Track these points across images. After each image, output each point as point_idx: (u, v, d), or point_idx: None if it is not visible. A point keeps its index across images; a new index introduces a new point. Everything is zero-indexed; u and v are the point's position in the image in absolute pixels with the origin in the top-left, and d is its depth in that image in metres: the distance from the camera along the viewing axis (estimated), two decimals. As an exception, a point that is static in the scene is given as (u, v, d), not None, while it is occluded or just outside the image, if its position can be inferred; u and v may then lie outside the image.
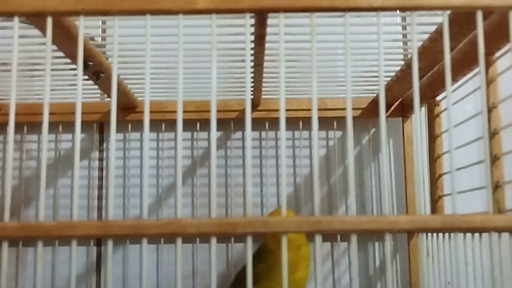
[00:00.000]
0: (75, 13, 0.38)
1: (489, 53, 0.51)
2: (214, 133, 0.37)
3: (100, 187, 0.76)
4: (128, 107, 0.74)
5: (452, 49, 0.52)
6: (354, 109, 0.75)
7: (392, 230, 0.35)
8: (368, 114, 0.75)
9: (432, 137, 0.65)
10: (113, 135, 0.37)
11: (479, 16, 0.36)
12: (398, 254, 0.75)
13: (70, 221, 0.36)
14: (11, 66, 0.39)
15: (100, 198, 0.75)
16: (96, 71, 0.57)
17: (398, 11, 0.39)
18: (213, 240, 0.36)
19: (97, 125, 0.77)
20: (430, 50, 0.54)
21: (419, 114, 0.71)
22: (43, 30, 0.46)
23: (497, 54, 0.51)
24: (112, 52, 0.40)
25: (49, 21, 0.38)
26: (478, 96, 0.53)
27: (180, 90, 0.37)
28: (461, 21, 0.45)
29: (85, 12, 0.38)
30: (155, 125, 0.76)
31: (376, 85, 0.71)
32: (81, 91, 0.39)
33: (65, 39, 0.48)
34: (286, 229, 0.36)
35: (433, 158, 0.65)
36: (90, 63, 0.55)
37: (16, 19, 0.38)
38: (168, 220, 0.36)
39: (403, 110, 0.74)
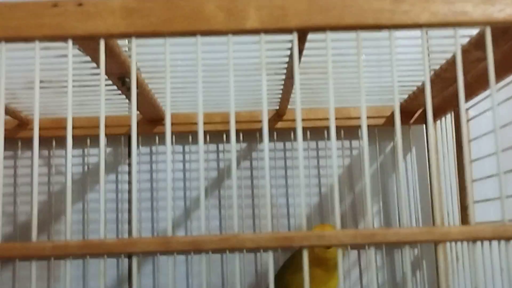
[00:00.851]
0: (127, 36, 0.39)
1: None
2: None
3: (129, 201, 0.76)
4: (156, 119, 0.75)
5: (482, 60, 0.54)
6: (378, 117, 0.76)
7: (445, 240, 0.36)
8: (391, 122, 0.76)
9: (460, 145, 0.66)
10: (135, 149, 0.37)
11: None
12: (425, 261, 0.76)
13: (100, 240, 0.37)
14: (46, 83, 0.40)
15: (130, 211, 0.76)
16: (119, 82, 0.59)
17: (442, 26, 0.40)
18: (270, 254, 0.37)
19: (125, 138, 0.78)
20: (462, 60, 0.55)
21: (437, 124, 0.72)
22: (89, 50, 0.47)
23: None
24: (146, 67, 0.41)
25: (102, 43, 0.39)
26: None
27: (200, 103, 0.38)
28: (497, 34, 0.46)
29: (136, 34, 0.39)
30: (182, 137, 0.77)
31: (400, 94, 0.72)
32: (104, 105, 0.39)
33: (106, 58, 0.49)
34: (341, 241, 0.37)
35: (461, 165, 0.66)
36: (127, 79, 0.56)
37: (70, 42, 0.40)
38: (226, 236, 0.37)
39: (427, 118, 0.75)
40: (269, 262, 0.37)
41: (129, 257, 0.76)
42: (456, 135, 0.68)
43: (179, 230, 0.76)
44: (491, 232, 0.36)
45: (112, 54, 0.48)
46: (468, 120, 0.66)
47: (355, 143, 0.78)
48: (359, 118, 0.75)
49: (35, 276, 0.37)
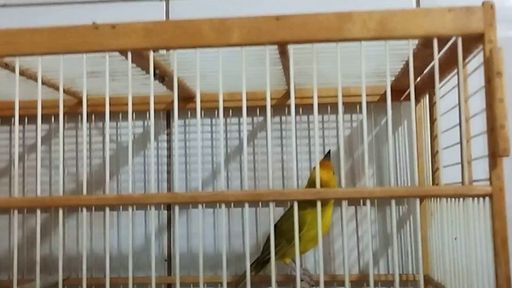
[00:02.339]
0: (147, 49, 0.55)
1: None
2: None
3: (168, 164, 0.94)
4: (188, 98, 0.91)
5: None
6: (373, 95, 0.89)
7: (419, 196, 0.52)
8: (385, 99, 0.89)
9: (432, 120, 0.80)
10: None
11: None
12: (412, 216, 0.90)
13: (146, 194, 0.53)
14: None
15: (168, 172, 0.94)
16: (162, 76, 0.75)
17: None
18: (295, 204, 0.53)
19: (163, 113, 0.95)
20: (423, 53, 0.68)
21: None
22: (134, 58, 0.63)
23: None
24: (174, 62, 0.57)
25: (129, 55, 0.56)
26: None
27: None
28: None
29: (153, 48, 0.55)
30: (210, 112, 0.93)
31: (392, 75, 0.85)
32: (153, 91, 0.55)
33: (141, 59, 0.65)
34: (339, 197, 0.52)
35: (433, 137, 0.79)
36: (157, 71, 0.72)
37: (107, 54, 0.56)
38: (213, 193, 0.53)
39: (416, 95, 0.88)
40: (295, 211, 0.52)
41: (168, 208, 0.94)
42: (430, 111, 0.81)
43: (207, 187, 0.93)
44: (452, 191, 0.51)
45: (144, 57, 0.64)
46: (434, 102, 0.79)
47: (354, 116, 0.92)
48: (358, 95, 0.89)
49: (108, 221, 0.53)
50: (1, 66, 0.66)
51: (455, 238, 0.85)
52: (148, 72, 0.72)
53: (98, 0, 0.98)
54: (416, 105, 0.89)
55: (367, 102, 0.88)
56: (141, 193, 0.55)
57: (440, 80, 0.75)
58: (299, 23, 0.53)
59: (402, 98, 0.89)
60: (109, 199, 0.54)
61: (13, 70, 0.66)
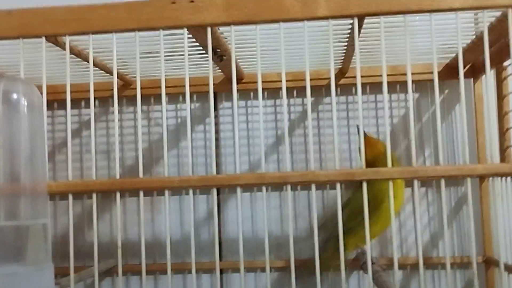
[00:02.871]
0: (227, 24, 0.53)
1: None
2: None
3: (217, 147, 0.91)
4: (237, 79, 0.88)
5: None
6: (430, 73, 0.86)
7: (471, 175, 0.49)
8: (442, 77, 0.86)
9: (501, 97, 0.77)
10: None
11: None
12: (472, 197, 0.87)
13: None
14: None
15: (218, 155, 0.91)
16: (221, 55, 0.72)
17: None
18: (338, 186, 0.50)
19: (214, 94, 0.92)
20: (498, 28, 0.65)
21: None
22: (194, 31, 0.60)
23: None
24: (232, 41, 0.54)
25: (209, 31, 0.53)
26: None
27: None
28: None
29: (234, 23, 0.52)
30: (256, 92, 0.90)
31: (449, 52, 0.82)
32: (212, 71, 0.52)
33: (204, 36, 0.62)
34: (392, 176, 0.50)
35: (502, 114, 0.76)
36: (218, 50, 0.69)
37: (185, 30, 0.53)
38: (303, 172, 0.51)
39: (474, 73, 0.85)
40: (338, 195, 0.50)
41: (218, 193, 0.91)
42: (497, 89, 0.78)
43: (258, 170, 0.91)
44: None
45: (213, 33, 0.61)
46: (506, 77, 0.77)
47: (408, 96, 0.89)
48: (413, 74, 0.86)
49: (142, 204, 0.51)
50: (51, 42, 0.62)
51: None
52: (207, 51, 0.69)
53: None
54: (474, 83, 0.86)
55: (424, 81, 0.86)
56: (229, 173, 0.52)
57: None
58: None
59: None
60: (193, 180, 0.52)
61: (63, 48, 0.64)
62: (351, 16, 0.51)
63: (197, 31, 0.57)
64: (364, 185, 0.52)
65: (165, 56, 0.78)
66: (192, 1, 0.52)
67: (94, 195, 0.54)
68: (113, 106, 0.91)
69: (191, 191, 0.53)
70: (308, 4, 0.51)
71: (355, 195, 0.79)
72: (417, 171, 0.50)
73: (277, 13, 0.51)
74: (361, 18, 0.53)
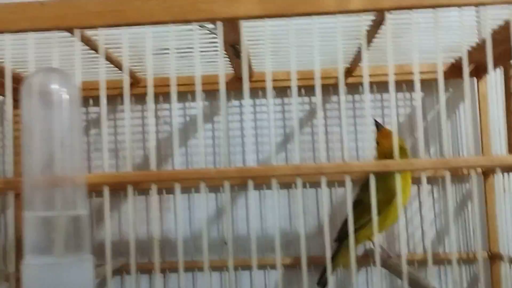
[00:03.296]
0: (260, 17, 0.53)
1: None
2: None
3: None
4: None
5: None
6: (435, 72, 0.88)
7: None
8: (446, 76, 0.88)
9: (509, 94, 0.79)
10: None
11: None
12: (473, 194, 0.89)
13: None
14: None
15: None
16: (238, 51, 0.72)
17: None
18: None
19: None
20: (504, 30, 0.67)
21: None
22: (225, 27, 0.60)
23: None
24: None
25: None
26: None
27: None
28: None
29: (267, 16, 0.53)
30: (264, 91, 0.91)
31: (452, 52, 0.84)
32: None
33: (232, 33, 0.62)
34: (401, 168, 0.51)
35: (510, 111, 0.79)
36: (237, 46, 0.70)
37: (219, 24, 0.54)
38: (338, 164, 0.52)
39: (478, 72, 0.88)
40: (347, 189, 0.51)
41: (232, 190, 0.92)
42: (505, 86, 0.80)
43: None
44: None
45: (235, 28, 0.62)
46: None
47: (414, 94, 0.91)
48: (423, 72, 0.87)
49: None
50: (83, 41, 0.62)
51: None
52: (226, 47, 0.70)
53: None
54: (478, 82, 0.88)
55: (429, 80, 0.88)
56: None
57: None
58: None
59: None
60: (230, 171, 0.52)
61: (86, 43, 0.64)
62: (383, 10, 0.52)
63: (226, 25, 0.58)
64: (398, 175, 0.53)
65: (177, 53, 0.79)
66: (227, -6, 0.53)
67: (130, 188, 0.54)
68: (121, 104, 0.91)
69: (227, 185, 0.54)
70: (341, -1, 0.52)
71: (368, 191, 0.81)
72: (448, 162, 0.52)
73: (311, 7, 0.52)
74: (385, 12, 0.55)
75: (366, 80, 0.56)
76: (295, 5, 0.52)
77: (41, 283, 0.49)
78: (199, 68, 0.58)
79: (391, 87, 0.57)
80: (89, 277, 0.50)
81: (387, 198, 0.73)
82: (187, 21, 0.54)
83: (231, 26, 0.60)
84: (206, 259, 0.56)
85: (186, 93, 0.92)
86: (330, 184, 0.90)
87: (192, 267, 0.89)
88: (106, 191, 0.53)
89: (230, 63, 0.82)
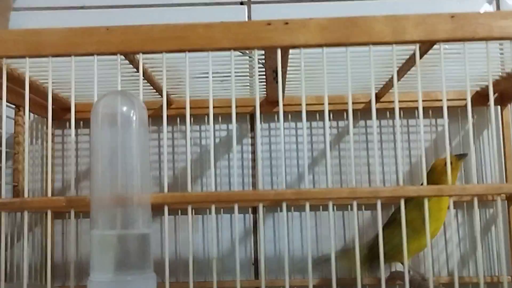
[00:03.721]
0: (319, 46, 0.56)
1: None
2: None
3: (253, 167, 0.94)
4: (276, 101, 0.91)
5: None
6: (461, 99, 0.91)
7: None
8: (472, 104, 0.91)
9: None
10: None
11: None
12: (498, 219, 0.91)
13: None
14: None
15: (253, 176, 0.93)
16: (276, 76, 0.75)
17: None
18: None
19: (249, 116, 0.95)
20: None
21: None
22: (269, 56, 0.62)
23: None
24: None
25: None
26: None
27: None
28: None
29: (326, 45, 0.55)
30: (295, 115, 0.94)
31: (481, 81, 0.87)
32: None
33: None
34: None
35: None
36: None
37: (278, 50, 0.56)
38: (394, 188, 0.53)
39: (502, 100, 0.90)
40: (378, 210, 0.53)
41: (253, 212, 0.93)
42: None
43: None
44: None
45: (282, 55, 0.64)
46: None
47: (440, 121, 0.94)
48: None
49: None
50: (130, 60, 0.64)
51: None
52: (269, 70, 0.72)
53: (178, 3, 0.98)
54: (502, 110, 0.91)
55: (454, 107, 0.91)
56: (295, 189, 0.54)
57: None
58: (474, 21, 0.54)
59: (488, 103, 0.90)
60: (287, 193, 0.54)
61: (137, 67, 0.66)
62: (437, 42, 0.55)
63: (273, 52, 0.60)
64: (451, 200, 0.55)
65: (214, 77, 0.81)
66: (287, 23, 0.55)
67: (190, 208, 0.55)
68: (153, 125, 0.93)
69: (284, 206, 0.55)
70: (397, 29, 0.54)
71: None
72: (501, 188, 0.54)
73: (368, 37, 0.55)
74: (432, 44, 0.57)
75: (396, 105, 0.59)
76: (352, 34, 0.55)
77: (106, 300, 0.50)
78: (234, 91, 0.60)
79: (420, 113, 0.59)
80: (153, 294, 0.52)
81: (421, 223, 0.75)
82: (247, 48, 0.56)
83: (276, 54, 0.62)
84: (238, 280, 0.57)
85: (216, 116, 0.94)
86: (359, 207, 0.92)
87: (221, 287, 0.90)
88: (166, 211, 0.55)
89: (264, 87, 0.85)
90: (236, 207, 0.55)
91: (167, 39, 0.55)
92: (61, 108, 0.91)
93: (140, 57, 0.56)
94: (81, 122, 0.92)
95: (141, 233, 0.51)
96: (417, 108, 0.90)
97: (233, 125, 0.58)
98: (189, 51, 0.56)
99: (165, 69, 0.58)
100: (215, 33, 0.55)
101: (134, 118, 0.51)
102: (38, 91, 0.76)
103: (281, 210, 0.91)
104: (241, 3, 0.97)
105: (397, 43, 0.55)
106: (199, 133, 0.95)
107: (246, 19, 0.97)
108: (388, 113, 0.93)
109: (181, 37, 0.55)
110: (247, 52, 0.73)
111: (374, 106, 0.57)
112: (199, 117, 0.95)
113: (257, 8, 0.97)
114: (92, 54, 0.56)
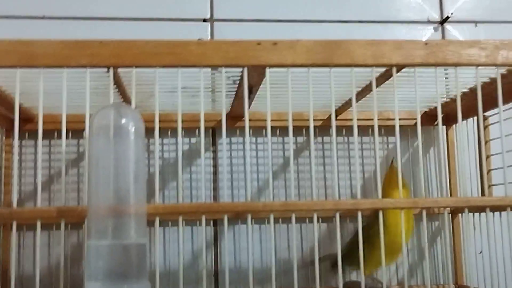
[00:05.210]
0: (305, 66, 0.59)
1: None
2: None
3: (214, 181, 0.96)
4: (239, 116, 0.93)
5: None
6: (410, 119, 0.97)
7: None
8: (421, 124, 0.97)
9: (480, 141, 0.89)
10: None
11: None
12: (442, 232, 0.98)
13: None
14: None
15: (215, 189, 0.96)
16: (250, 93, 0.78)
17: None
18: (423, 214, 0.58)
19: (212, 130, 0.97)
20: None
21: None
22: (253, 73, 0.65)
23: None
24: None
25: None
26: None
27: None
28: None
29: (311, 66, 0.59)
30: (256, 131, 0.97)
31: (427, 102, 0.93)
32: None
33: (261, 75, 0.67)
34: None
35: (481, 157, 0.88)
36: (254, 88, 0.75)
37: (267, 69, 0.59)
38: (373, 201, 0.58)
39: (447, 121, 0.98)
40: (359, 222, 0.57)
41: (214, 224, 0.95)
42: (478, 135, 0.90)
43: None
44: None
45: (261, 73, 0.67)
46: (487, 125, 0.89)
47: (391, 139, 1.00)
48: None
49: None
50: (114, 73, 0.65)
51: (480, 252, 0.94)
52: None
53: (140, 18, 0.99)
54: (447, 130, 0.98)
55: (404, 126, 0.97)
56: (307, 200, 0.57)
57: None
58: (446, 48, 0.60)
59: (436, 123, 0.97)
60: (275, 205, 0.57)
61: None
62: (412, 66, 0.60)
63: (255, 70, 0.63)
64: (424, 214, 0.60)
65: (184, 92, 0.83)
66: (275, 44, 0.58)
67: (180, 218, 0.57)
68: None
69: (272, 217, 0.58)
70: (376, 53, 0.59)
71: (368, 225, 0.86)
72: (468, 201, 0.59)
73: (350, 59, 0.59)
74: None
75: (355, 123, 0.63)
76: (336, 56, 0.59)
77: (101, 309, 0.51)
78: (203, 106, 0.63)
79: (376, 131, 0.64)
80: (147, 303, 0.53)
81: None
82: (237, 66, 0.59)
83: (257, 71, 0.65)
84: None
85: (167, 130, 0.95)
86: (327, 220, 0.96)
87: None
88: (157, 222, 0.56)
89: (230, 102, 0.87)
90: (203, 218, 0.57)
91: (161, 54, 0.57)
92: (21, 119, 0.90)
93: (133, 71, 0.58)
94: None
95: (137, 243, 0.52)
96: (371, 126, 0.97)
97: (201, 136, 0.60)
98: (182, 66, 0.58)
99: (134, 82, 0.60)
100: (207, 50, 0.58)
101: (131, 129, 0.52)
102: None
103: (242, 223, 0.95)
104: (204, 20, 1.00)
105: (376, 65, 0.59)
106: (162, 146, 0.96)
107: (209, 37, 1.00)
108: (344, 130, 0.98)
109: (174, 53, 0.57)
110: (217, 69, 0.76)
111: (334, 123, 0.61)
112: (162, 131, 0.95)
113: (220, 26, 1.00)
114: (85, 67, 0.56)
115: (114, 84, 0.72)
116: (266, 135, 0.98)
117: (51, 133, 0.91)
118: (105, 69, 0.59)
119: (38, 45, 0.56)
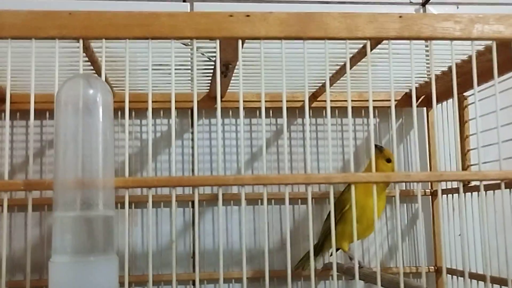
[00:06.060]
0: (279, 38, 0.58)
1: None
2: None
3: (192, 162, 0.95)
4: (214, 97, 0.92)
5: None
6: (389, 100, 0.97)
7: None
8: (400, 105, 0.97)
9: (462, 122, 0.89)
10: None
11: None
12: (423, 214, 0.98)
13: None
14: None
15: (193, 170, 0.95)
16: (227, 70, 0.77)
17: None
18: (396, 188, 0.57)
19: (191, 112, 0.96)
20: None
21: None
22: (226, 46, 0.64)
23: None
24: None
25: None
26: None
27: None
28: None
29: (284, 38, 0.58)
30: (234, 111, 0.96)
31: (407, 82, 0.93)
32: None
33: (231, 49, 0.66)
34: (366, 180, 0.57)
35: (463, 138, 0.88)
36: (230, 65, 0.74)
37: (239, 41, 0.58)
38: (345, 174, 0.57)
39: (428, 102, 0.97)
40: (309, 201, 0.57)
41: (193, 206, 0.94)
42: (459, 115, 0.90)
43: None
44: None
45: (235, 48, 0.66)
46: (467, 105, 0.89)
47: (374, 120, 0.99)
48: (376, 100, 0.96)
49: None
50: (85, 47, 0.63)
51: (459, 235, 0.94)
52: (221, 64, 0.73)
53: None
54: (428, 111, 0.98)
55: (384, 107, 0.96)
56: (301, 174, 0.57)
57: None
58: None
59: (417, 104, 0.97)
60: (246, 179, 0.56)
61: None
62: (387, 39, 0.59)
63: (229, 44, 0.62)
64: (397, 188, 0.59)
65: (157, 69, 0.82)
66: (248, 16, 0.57)
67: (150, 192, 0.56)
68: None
69: (243, 192, 0.57)
70: (350, 26, 0.58)
71: (339, 201, 0.86)
72: (442, 175, 0.59)
73: (324, 32, 0.58)
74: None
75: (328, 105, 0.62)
76: (310, 29, 0.58)
77: (67, 281, 0.50)
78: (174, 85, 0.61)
79: (349, 108, 0.64)
80: (114, 276, 0.52)
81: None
82: (210, 38, 0.58)
83: (231, 46, 0.64)
84: (174, 273, 0.58)
85: (158, 110, 0.94)
86: (294, 202, 0.96)
87: (159, 281, 0.91)
88: (126, 195, 0.55)
89: (208, 82, 0.87)
90: (174, 199, 0.56)
91: (131, 26, 0.56)
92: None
93: (103, 43, 0.57)
94: (18, 113, 0.90)
95: (104, 215, 0.51)
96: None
97: (172, 112, 0.59)
98: (152, 39, 0.57)
99: (106, 56, 0.59)
100: (179, 22, 0.57)
101: (99, 101, 0.51)
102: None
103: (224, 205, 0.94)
104: (184, 0, 0.98)
105: (350, 39, 0.58)
106: (140, 127, 0.95)
107: (188, 16, 0.98)
108: (323, 111, 0.98)
109: (144, 24, 0.56)
110: (189, 43, 0.74)
111: (307, 102, 0.60)
112: (140, 111, 0.95)
113: (200, 6, 0.99)
114: (53, 38, 0.55)
115: (88, 61, 0.71)
116: (250, 117, 0.97)
117: (27, 113, 0.89)
118: (76, 43, 0.58)
119: (6, 15, 0.55)
